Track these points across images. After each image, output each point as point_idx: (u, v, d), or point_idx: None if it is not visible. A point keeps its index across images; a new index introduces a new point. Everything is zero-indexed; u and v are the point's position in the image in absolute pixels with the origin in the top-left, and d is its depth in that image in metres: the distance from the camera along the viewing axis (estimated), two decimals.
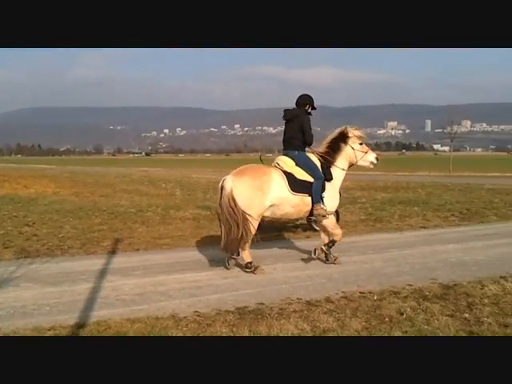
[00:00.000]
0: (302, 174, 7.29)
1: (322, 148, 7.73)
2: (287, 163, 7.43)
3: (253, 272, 7.12)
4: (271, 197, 7.06)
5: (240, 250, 7.16)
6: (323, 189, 7.36)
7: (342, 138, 7.75)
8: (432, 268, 7.40)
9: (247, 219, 6.92)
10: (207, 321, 5.06)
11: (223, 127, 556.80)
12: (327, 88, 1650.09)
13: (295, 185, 7.18)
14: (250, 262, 7.20)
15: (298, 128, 7.56)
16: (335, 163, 7.65)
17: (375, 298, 5.84)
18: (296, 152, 7.51)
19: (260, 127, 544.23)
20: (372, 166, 8.09)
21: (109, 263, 7.76)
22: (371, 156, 7.96)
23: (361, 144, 7.89)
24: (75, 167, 64.91)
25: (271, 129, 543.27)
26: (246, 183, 6.97)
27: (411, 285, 6.39)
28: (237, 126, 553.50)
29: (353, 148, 7.78)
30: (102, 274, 7.09)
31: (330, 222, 7.59)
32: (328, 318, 5.08)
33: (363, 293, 6.05)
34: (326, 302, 5.71)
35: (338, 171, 7.69)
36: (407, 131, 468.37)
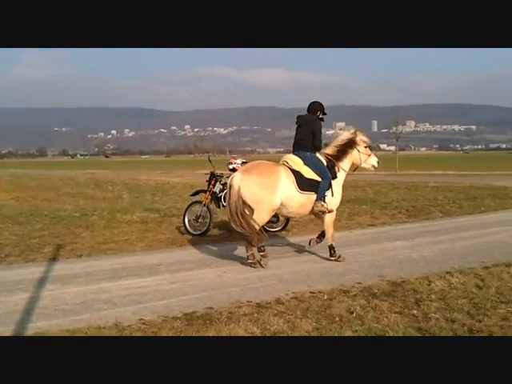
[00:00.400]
0: (309, 173, 7.53)
1: (331, 150, 8.03)
2: (295, 161, 7.65)
3: (261, 258, 7.43)
4: (280, 195, 7.30)
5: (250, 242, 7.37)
6: (329, 188, 7.64)
7: (351, 141, 8.07)
8: (380, 265, 7.45)
9: (251, 217, 7.24)
10: (153, 329, 4.85)
11: (173, 128, 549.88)
12: (278, 89, 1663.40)
13: (303, 184, 7.43)
14: (263, 246, 7.49)
15: (309, 132, 7.86)
16: (341, 164, 7.97)
17: (325, 297, 5.79)
18: (307, 153, 7.75)
19: (211, 128, 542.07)
20: (373, 169, 8.51)
21: (49, 271, 7.38)
22: (374, 160, 8.29)
23: (365, 147, 8.21)
24: (17, 170, 62.47)
25: (222, 129, 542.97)
26: (253, 181, 7.17)
27: (360, 283, 6.39)
28: (187, 126, 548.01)
29: (359, 151, 8.12)
30: (42, 282, 6.72)
31: (329, 220, 7.86)
32: (278, 320, 4.98)
33: (313, 292, 5.99)
34: (276, 304, 5.61)
35: (342, 172, 8.02)
36: None
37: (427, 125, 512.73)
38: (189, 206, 10.52)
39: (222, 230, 10.84)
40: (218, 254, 8.47)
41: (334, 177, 7.81)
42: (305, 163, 7.62)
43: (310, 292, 6.02)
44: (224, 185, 10.40)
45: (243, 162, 10.74)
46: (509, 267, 6.99)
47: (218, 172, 10.53)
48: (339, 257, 7.80)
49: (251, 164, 7.66)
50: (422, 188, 20.79)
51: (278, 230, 10.50)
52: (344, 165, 8.02)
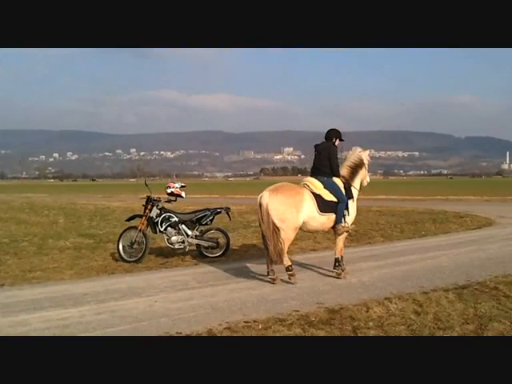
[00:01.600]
0: (329, 196, 7.99)
1: (345, 171, 8.44)
2: (316, 185, 8.07)
3: (290, 277, 7.80)
4: (303, 215, 7.72)
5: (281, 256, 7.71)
6: (346, 207, 8.12)
7: (362, 161, 8.61)
8: (320, 291, 7.24)
9: (280, 232, 7.60)
10: None
11: (118, 151, 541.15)
12: (225, 114, 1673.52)
13: (323, 206, 7.90)
14: (291, 265, 7.86)
15: (326, 158, 8.23)
16: (353, 184, 8.48)
17: (260, 327, 5.50)
18: (325, 178, 8.15)
19: (157, 152, 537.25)
20: (365, 185, 8.94)
21: None
22: (368, 177, 8.89)
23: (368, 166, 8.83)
24: None
25: (169, 153, 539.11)
26: (280, 200, 7.61)
27: (298, 310, 6.14)
28: (133, 150, 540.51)
29: (366, 170, 8.73)
30: None
31: (342, 239, 8.37)
32: None
33: (248, 322, 5.69)
34: (207, 336, 5.26)
35: (355, 190, 8.50)
36: (302, 156, 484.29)
37: (372, 151, 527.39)
38: (124, 232, 10.03)
39: (159, 256, 10.41)
40: (152, 281, 8.04)
41: (352, 196, 8.33)
42: (325, 187, 8.04)
43: (245, 322, 5.70)
44: (161, 209, 10.02)
45: (182, 186, 10.43)
46: (447, 292, 6.95)
47: (155, 196, 10.13)
48: (343, 271, 8.22)
49: (278, 185, 8.05)
50: (364, 212, 20.96)
51: (218, 256, 10.16)
52: (355, 184, 8.53)
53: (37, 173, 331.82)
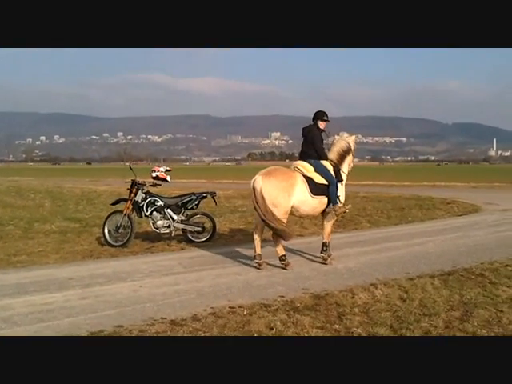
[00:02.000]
0: (319, 179, 8.00)
1: (334, 156, 8.43)
2: (307, 168, 8.07)
3: (285, 267, 7.72)
4: (294, 199, 7.75)
5: (274, 243, 7.89)
6: (337, 190, 8.17)
7: (350, 147, 8.64)
8: (305, 277, 7.23)
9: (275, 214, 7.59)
10: None
11: (105, 135, 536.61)
12: (213, 97, 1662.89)
13: (315, 189, 7.92)
14: (284, 255, 7.85)
15: (310, 143, 8.28)
16: (342, 168, 8.50)
17: (245, 312, 5.48)
18: (312, 161, 8.15)
19: (145, 136, 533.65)
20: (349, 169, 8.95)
21: None
22: (352, 162, 8.94)
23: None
24: None
25: (156, 137, 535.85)
26: (273, 184, 7.63)
27: (283, 296, 6.13)
28: (120, 133, 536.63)
29: (353, 155, 8.79)
30: None
31: (331, 224, 8.46)
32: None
33: (233, 307, 5.66)
34: (192, 321, 5.23)
35: (344, 175, 8.56)
36: (290, 141, 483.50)
37: (360, 136, 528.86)
38: (109, 216, 9.93)
39: (146, 240, 10.33)
40: (137, 266, 7.96)
41: (341, 179, 8.39)
42: (315, 170, 8.04)
43: (230, 307, 5.67)
44: (147, 193, 9.92)
45: (167, 170, 10.33)
46: (433, 278, 6.97)
47: (140, 180, 10.02)
48: (329, 257, 8.22)
49: (271, 168, 8.05)
50: (351, 198, 20.91)
51: (204, 241, 10.10)
52: (344, 168, 8.57)
53: (24, 156, 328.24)
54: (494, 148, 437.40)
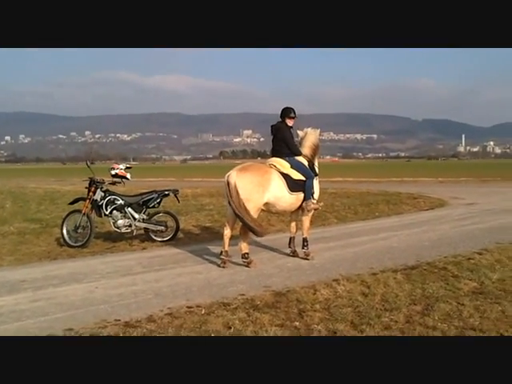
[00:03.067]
0: (296, 175, 7.95)
1: (308, 151, 8.41)
2: (283, 165, 8.00)
3: (248, 265, 7.54)
4: (269, 195, 7.65)
5: (241, 239, 7.71)
6: (313, 185, 8.15)
7: (319, 142, 8.65)
8: (268, 274, 7.08)
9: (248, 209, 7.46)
10: None
11: (72, 134, 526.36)
12: (183, 95, 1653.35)
13: (293, 185, 7.86)
14: (247, 253, 7.66)
15: (281, 141, 8.20)
16: (315, 163, 8.52)
17: (203, 312, 5.30)
18: (287, 157, 8.10)
19: (113, 134, 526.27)
20: None
21: None
22: None
23: None
24: None
25: (125, 136, 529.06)
26: (248, 178, 7.51)
27: (243, 294, 5.97)
28: (88, 132, 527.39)
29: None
30: None
31: (309, 218, 8.40)
32: None
33: (191, 307, 5.47)
34: (147, 322, 5.03)
35: (316, 168, 8.54)
36: (262, 139, 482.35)
37: (331, 133, 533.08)
38: (67, 216, 9.59)
39: (107, 240, 10.04)
40: (95, 267, 7.69)
41: (316, 174, 8.39)
42: (291, 166, 7.98)
43: (187, 307, 5.48)
44: (106, 192, 9.62)
45: (127, 167, 10.05)
46: (395, 273, 6.91)
47: (98, 178, 9.70)
48: (309, 254, 8.13)
49: (246, 164, 7.98)
50: (320, 194, 20.87)
51: (167, 240, 9.85)
52: (316, 162, 8.58)
53: None
54: (463, 144, 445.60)
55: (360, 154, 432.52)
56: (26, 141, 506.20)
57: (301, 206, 8.15)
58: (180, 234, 10.39)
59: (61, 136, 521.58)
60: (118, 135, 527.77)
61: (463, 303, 5.49)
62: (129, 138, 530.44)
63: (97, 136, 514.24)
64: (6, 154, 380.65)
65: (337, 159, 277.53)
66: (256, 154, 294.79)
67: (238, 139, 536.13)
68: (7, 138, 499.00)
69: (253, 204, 7.52)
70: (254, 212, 7.55)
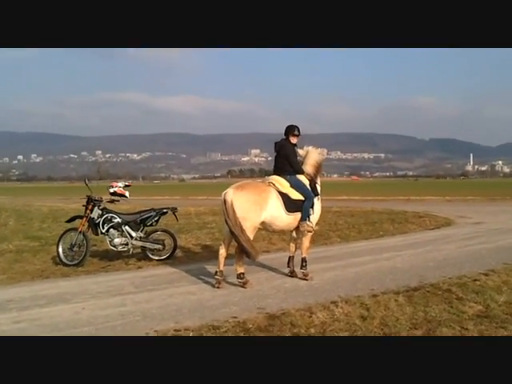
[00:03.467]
0: (296, 195, 7.74)
1: (310, 169, 8.20)
2: (282, 184, 7.80)
3: (243, 285, 7.32)
4: (266, 214, 7.42)
5: (236, 259, 7.47)
6: (312, 206, 7.88)
7: (322, 160, 8.44)
8: (264, 295, 6.81)
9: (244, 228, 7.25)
10: None
11: (83, 153, 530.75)
12: (191, 116, 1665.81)
13: (290, 205, 7.64)
14: (243, 273, 7.43)
15: (283, 158, 8.00)
16: (317, 182, 8.32)
17: (190, 335, 5.02)
18: (288, 176, 7.89)
19: (123, 154, 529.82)
20: None
21: None
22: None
23: None
24: None
25: (135, 155, 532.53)
26: (245, 197, 7.31)
27: (236, 317, 5.69)
28: (98, 152, 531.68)
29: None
30: None
31: (308, 238, 8.20)
32: None
33: (178, 330, 5.21)
34: None
35: (319, 188, 8.32)
36: (269, 158, 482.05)
37: (338, 153, 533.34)
38: (64, 234, 9.42)
39: (104, 259, 9.81)
40: (86, 286, 7.46)
41: (317, 193, 8.17)
42: (291, 186, 7.79)
43: (175, 330, 5.21)
44: (103, 210, 9.43)
45: (126, 185, 9.88)
46: (397, 295, 6.60)
47: (96, 196, 9.52)
48: (307, 275, 7.90)
49: (243, 182, 7.83)
50: (324, 213, 20.54)
51: (164, 258, 9.61)
52: (318, 181, 8.39)
53: (0, 174, 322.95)
54: (471, 163, 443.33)
55: (367, 172, 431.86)
56: (38, 160, 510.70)
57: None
58: (178, 253, 10.17)
59: (72, 155, 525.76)
60: (127, 154, 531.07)
61: (467, 327, 5.18)
62: (138, 158, 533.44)
63: (107, 155, 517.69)
64: (17, 172, 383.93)
65: (356, 177, 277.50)
66: (263, 173, 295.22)
67: (245, 158, 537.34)
68: (20, 157, 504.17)
69: (249, 223, 7.29)
70: (250, 231, 7.33)
